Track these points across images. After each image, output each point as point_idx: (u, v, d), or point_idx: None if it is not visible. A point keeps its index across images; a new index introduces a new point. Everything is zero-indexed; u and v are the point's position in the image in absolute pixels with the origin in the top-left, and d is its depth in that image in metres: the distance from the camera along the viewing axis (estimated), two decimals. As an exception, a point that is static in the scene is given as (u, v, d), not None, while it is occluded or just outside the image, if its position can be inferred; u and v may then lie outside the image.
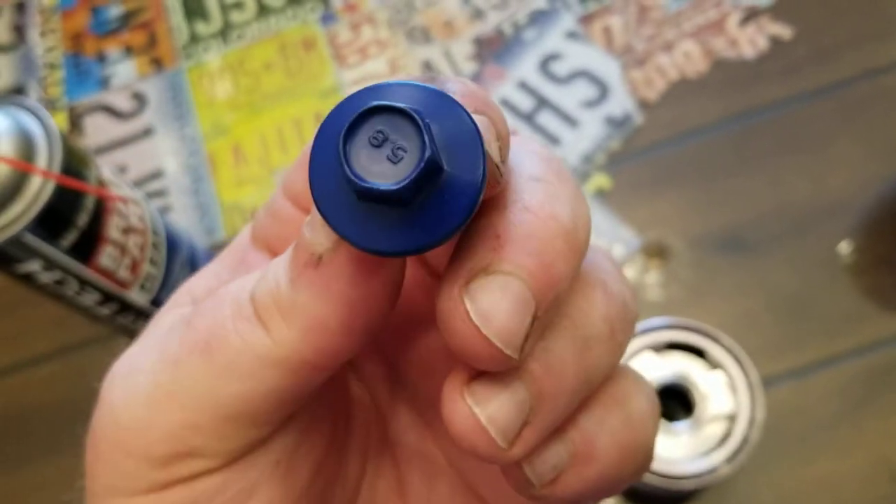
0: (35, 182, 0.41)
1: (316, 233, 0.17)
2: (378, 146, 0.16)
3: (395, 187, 0.15)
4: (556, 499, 0.19)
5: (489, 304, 0.16)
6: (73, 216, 0.43)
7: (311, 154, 0.16)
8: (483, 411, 0.17)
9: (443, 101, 0.16)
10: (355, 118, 0.16)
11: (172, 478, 0.20)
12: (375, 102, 0.16)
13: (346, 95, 0.17)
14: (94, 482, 0.20)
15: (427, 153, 0.15)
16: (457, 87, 0.17)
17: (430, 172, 0.15)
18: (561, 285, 0.17)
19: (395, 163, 0.16)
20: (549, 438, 0.19)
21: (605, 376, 0.19)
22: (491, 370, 0.17)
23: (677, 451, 0.46)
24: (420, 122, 0.16)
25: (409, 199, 0.15)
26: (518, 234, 0.17)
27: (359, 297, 0.18)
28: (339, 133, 0.16)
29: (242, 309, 0.19)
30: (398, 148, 0.16)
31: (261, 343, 0.18)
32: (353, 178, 0.15)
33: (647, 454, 0.21)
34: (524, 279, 0.16)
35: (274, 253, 0.23)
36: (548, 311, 0.17)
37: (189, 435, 0.19)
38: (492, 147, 0.16)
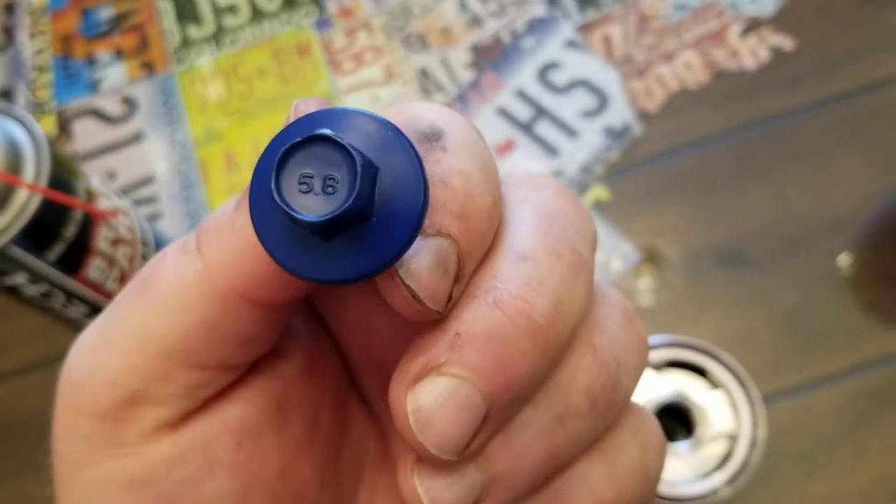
0: (21, 194, 0.40)
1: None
2: (310, 177, 0.16)
3: (314, 219, 0.15)
4: None
5: (431, 410, 0.16)
6: (60, 228, 0.42)
7: (255, 170, 0.16)
8: (427, 493, 0.17)
9: (392, 137, 0.16)
10: (295, 144, 0.15)
11: (126, 436, 0.19)
12: (320, 131, 0.16)
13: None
14: (58, 460, 0.20)
15: (351, 198, 0.15)
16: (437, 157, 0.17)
17: (351, 217, 0.15)
18: (521, 385, 0.16)
19: (328, 194, 0.15)
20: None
21: (586, 445, 0.19)
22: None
23: (677, 472, 0.45)
24: (357, 163, 0.15)
25: (331, 234, 0.15)
26: (479, 333, 0.16)
27: None
28: (275, 155, 0.16)
29: (185, 243, 0.18)
30: (331, 178, 0.15)
31: (192, 270, 0.18)
32: (280, 202, 0.15)
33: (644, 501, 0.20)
34: (475, 384, 0.16)
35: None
36: (505, 408, 0.17)
37: (128, 379, 0.18)
38: (433, 271, 0.16)
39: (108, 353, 0.19)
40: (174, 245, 0.19)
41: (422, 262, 0.16)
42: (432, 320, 0.17)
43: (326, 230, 0.15)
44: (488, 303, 0.16)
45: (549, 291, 0.17)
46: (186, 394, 0.19)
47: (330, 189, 0.15)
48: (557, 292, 0.17)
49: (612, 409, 0.19)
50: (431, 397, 0.16)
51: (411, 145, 0.16)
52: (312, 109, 0.17)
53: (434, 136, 0.17)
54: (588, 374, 0.18)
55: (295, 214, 0.15)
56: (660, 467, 0.20)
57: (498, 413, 0.16)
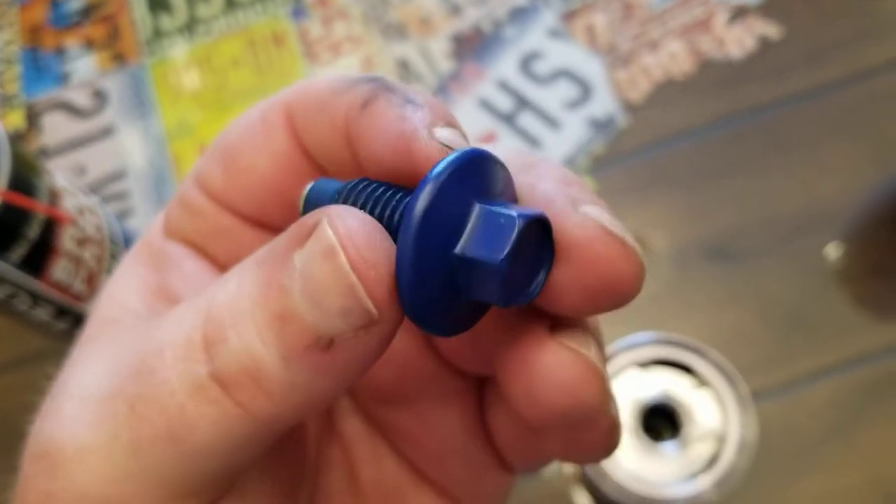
0: (-21, 192, 0.38)
1: (326, 314, 0.15)
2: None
3: (530, 296, 0.16)
4: (613, 445, 0.20)
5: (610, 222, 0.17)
6: (22, 229, 0.40)
7: (410, 255, 0.16)
8: (589, 353, 0.17)
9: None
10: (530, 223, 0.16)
11: None
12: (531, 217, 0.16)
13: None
14: None
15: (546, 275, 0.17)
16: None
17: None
18: None
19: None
20: None
21: None
22: (626, 299, 0.17)
23: (663, 472, 0.44)
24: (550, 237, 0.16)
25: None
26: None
27: (366, 370, 0.17)
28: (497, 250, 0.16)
29: (204, 392, 0.16)
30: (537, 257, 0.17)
31: (238, 423, 0.16)
32: (507, 299, 0.16)
33: None
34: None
35: (193, 246, 0.22)
36: None
37: (176, 502, 0.18)
38: None
39: (142, 486, 0.17)
40: (173, 381, 0.17)
41: None
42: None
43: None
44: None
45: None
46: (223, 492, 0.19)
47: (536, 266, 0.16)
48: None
49: None
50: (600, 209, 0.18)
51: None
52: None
53: None
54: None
55: (512, 299, 0.16)
56: None
57: None
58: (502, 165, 0.17)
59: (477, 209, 0.16)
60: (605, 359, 0.18)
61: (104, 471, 0.17)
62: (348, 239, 0.15)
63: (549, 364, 0.17)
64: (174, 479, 0.17)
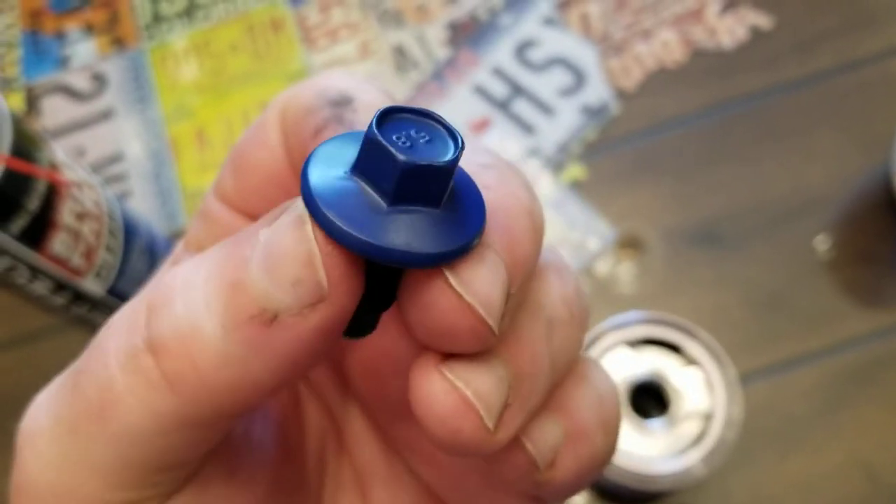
0: (-19, 164, 0.38)
1: (277, 283, 0.15)
2: (403, 140, 0.15)
3: (447, 161, 0.15)
4: (556, 485, 0.18)
5: (470, 273, 0.15)
6: (22, 200, 0.41)
7: (305, 171, 0.15)
8: (467, 386, 0.16)
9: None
10: (381, 113, 0.15)
11: None
12: (382, 109, 0.16)
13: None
14: None
15: (459, 138, 0.16)
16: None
17: (448, 175, 0.15)
18: (529, 264, 0.17)
19: (426, 148, 0.16)
20: (536, 419, 0.18)
21: (571, 360, 0.19)
22: (467, 349, 0.16)
23: (651, 449, 0.44)
24: (442, 120, 0.16)
25: (448, 185, 0.16)
26: (493, 210, 0.16)
27: (309, 359, 0.16)
28: (370, 130, 0.15)
29: (135, 360, 0.16)
30: (421, 139, 0.16)
31: (162, 400, 0.16)
32: (402, 156, 0.15)
33: (619, 431, 0.20)
34: (498, 252, 0.16)
35: None
36: (519, 289, 0.17)
37: (118, 494, 0.17)
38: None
39: (82, 474, 0.17)
40: (110, 353, 0.16)
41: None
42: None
43: (433, 187, 0.15)
44: (479, 187, 0.17)
45: (522, 186, 0.18)
46: (180, 482, 0.18)
47: (428, 143, 0.16)
48: (528, 188, 0.18)
49: (583, 329, 0.19)
50: (468, 262, 0.15)
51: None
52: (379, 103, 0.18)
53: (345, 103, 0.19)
54: (560, 287, 0.19)
55: (434, 163, 0.15)
56: (616, 416, 0.20)
57: (515, 292, 0.16)
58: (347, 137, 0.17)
59: (350, 179, 0.16)
60: (504, 392, 0.16)
61: (49, 456, 0.17)
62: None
63: (428, 397, 0.16)
64: (107, 465, 0.17)
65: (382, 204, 0.15)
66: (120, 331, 0.16)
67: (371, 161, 0.15)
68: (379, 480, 0.23)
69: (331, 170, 0.16)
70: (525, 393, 0.17)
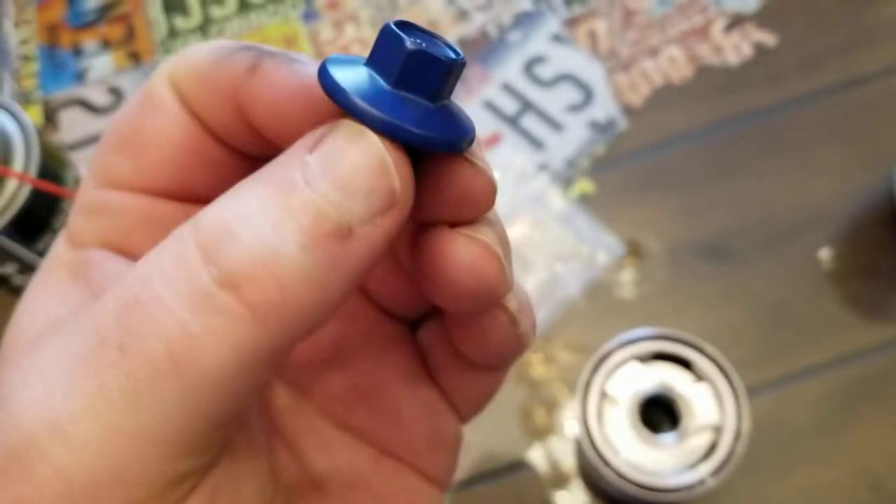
0: (11, 184, 0.40)
1: (353, 199, 0.16)
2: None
3: (457, 57, 0.17)
4: (524, 342, 0.22)
5: (479, 152, 0.19)
6: (50, 219, 0.42)
7: (338, 87, 0.16)
8: (486, 237, 0.19)
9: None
10: (399, 22, 0.17)
11: None
12: (399, 20, 0.17)
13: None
14: None
15: (458, 49, 0.18)
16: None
17: (459, 72, 0.18)
18: None
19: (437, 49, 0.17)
20: None
21: None
22: (483, 210, 0.19)
23: (662, 463, 0.46)
24: (437, 35, 0.18)
25: (440, 92, 0.17)
26: None
27: (373, 267, 0.17)
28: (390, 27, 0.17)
29: (210, 300, 0.15)
30: (433, 42, 0.18)
31: (247, 333, 0.15)
32: (416, 47, 0.16)
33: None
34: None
35: (110, 247, 0.20)
36: None
37: (171, 466, 0.16)
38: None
39: (138, 447, 0.16)
40: (166, 298, 0.15)
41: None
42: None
43: (446, 80, 0.17)
44: None
45: None
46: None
47: (437, 48, 0.17)
48: None
49: None
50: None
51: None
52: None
53: None
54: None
55: (444, 56, 0.17)
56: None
57: None
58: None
59: (364, 66, 0.18)
60: (505, 245, 0.19)
61: (90, 437, 0.15)
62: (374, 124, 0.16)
63: (452, 249, 0.18)
64: (172, 428, 0.16)
65: (387, 86, 0.17)
66: (169, 280, 0.15)
67: (387, 53, 0.17)
68: (314, 448, 0.23)
69: (352, 79, 0.17)
70: (507, 251, 0.20)
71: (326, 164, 0.16)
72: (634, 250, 0.57)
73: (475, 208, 0.19)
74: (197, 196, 0.21)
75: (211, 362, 0.15)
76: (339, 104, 0.16)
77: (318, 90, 0.17)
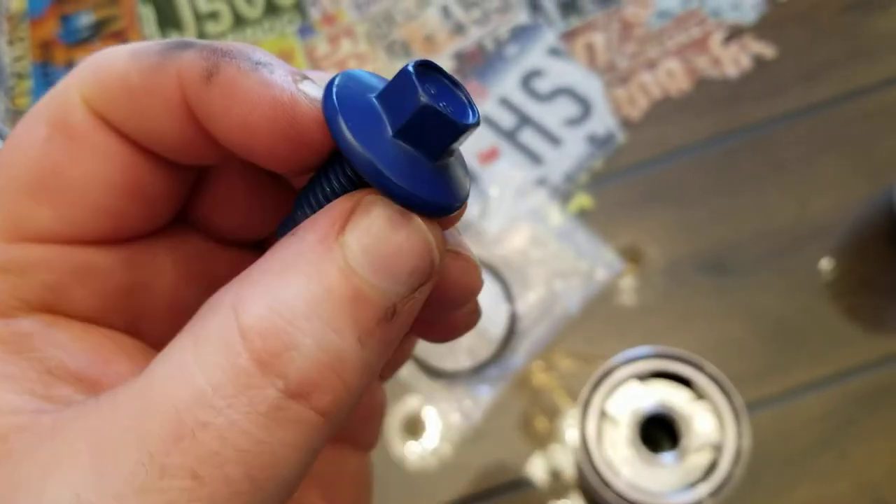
0: None
1: (399, 283, 0.16)
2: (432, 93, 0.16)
3: (472, 120, 0.16)
4: (477, 286, 0.20)
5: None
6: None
7: (337, 125, 0.16)
8: (466, 250, 0.19)
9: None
10: (416, 66, 0.16)
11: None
12: (422, 59, 0.17)
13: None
14: None
15: (477, 113, 0.17)
16: None
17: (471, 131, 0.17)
18: None
19: (451, 108, 0.17)
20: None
21: None
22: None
23: (662, 482, 0.45)
24: (460, 84, 0.17)
25: (446, 151, 0.17)
26: None
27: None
28: (407, 76, 0.16)
29: (282, 413, 0.15)
30: (449, 96, 0.17)
31: (319, 435, 0.15)
32: (428, 102, 0.16)
33: None
34: None
35: (44, 309, 0.18)
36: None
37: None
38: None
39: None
40: (237, 423, 0.15)
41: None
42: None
43: (452, 142, 0.17)
44: None
45: None
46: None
47: (449, 107, 0.16)
48: None
49: None
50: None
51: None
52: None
53: None
54: None
55: (456, 119, 0.16)
56: None
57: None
58: (355, 73, 0.18)
59: (373, 100, 0.17)
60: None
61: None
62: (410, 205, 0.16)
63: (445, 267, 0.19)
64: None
65: (426, 160, 0.17)
66: (231, 397, 0.15)
67: (399, 97, 0.16)
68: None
69: (357, 118, 0.16)
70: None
71: (369, 249, 0.16)
72: (633, 266, 0.57)
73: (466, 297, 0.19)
74: (135, 234, 0.19)
75: (289, 471, 0.15)
76: (355, 163, 0.16)
77: (295, 105, 0.16)
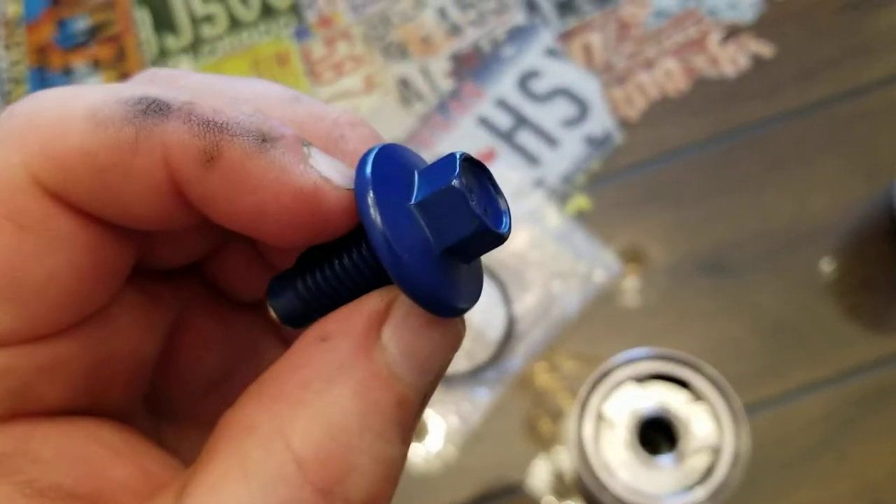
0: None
1: (431, 374, 0.16)
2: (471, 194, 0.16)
3: (505, 230, 0.16)
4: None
5: None
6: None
7: (375, 228, 0.15)
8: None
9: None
10: (465, 159, 0.16)
11: None
12: (463, 153, 0.16)
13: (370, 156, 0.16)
14: None
15: (510, 220, 0.17)
16: None
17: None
18: None
19: (487, 212, 0.16)
20: None
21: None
22: None
23: (660, 485, 0.45)
24: (499, 188, 0.17)
25: (475, 256, 0.17)
26: None
27: None
28: (445, 183, 0.15)
29: None
30: (487, 198, 0.17)
31: None
32: (486, 223, 0.16)
33: None
34: None
35: (17, 416, 0.17)
36: None
37: None
38: None
39: None
40: None
41: None
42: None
43: (489, 251, 0.16)
44: None
45: None
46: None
47: (489, 210, 0.16)
48: None
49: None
50: None
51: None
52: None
53: None
54: None
55: (493, 228, 0.16)
56: None
57: None
58: (397, 147, 0.17)
59: (416, 175, 0.16)
60: None
61: None
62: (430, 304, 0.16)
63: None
64: None
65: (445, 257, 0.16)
66: None
67: (446, 211, 0.16)
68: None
69: (399, 233, 0.16)
70: None
71: (409, 351, 0.16)
72: (632, 267, 0.57)
73: None
74: (99, 308, 0.18)
75: None
76: (402, 285, 0.15)
77: (319, 195, 0.16)
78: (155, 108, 0.15)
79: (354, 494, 0.15)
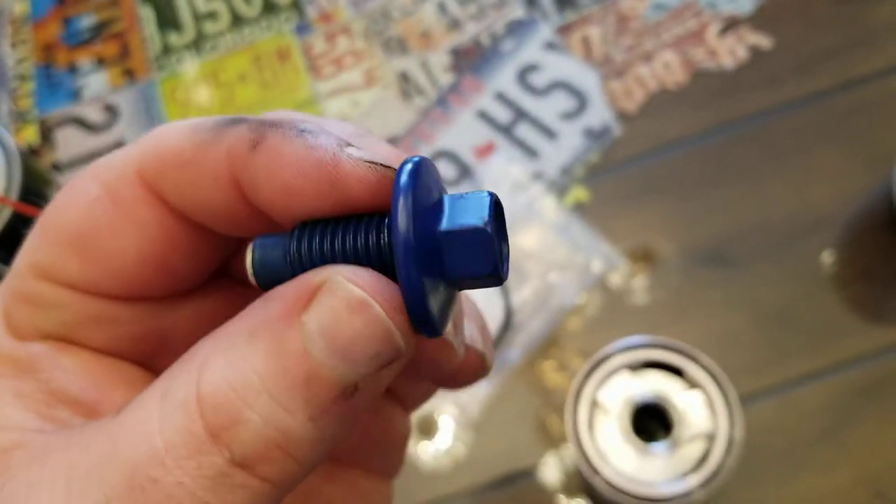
0: (-7, 205, 0.40)
1: (358, 364, 0.16)
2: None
3: (505, 276, 0.17)
4: (488, 370, 0.22)
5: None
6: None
7: (404, 252, 0.16)
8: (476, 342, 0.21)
9: None
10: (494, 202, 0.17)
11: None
12: (495, 195, 0.17)
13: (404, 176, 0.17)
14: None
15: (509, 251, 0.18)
16: None
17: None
18: None
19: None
20: None
21: None
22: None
23: (655, 472, 0.45)
24: (506, 233, 0.18)
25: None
26: None
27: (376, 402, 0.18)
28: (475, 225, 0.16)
29: (228, 479, 0.16)
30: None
31: (266, 498, 0.16)
32: (500, 270, 0.17)
33: None
34: None
35: (59, 339, 0.20)
36: None
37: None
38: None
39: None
40: (186, 487, 0.16)
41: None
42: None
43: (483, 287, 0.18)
44: None
45: None
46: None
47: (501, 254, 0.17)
48: None
49: None
50: None
51: None
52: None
53: None
54: None
55: (503, 274, 0.17)
56: None
57: None
58: (430, 162, 0.18)
59: (445, 199, 0.17)
60: (484, 329, 0.22)
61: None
62: (376, 291, 0.16)
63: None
64: None
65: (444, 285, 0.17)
66: (181, 459, 0.16)
67: (472, 250, 0.17)
68: None
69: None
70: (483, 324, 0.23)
71: (326, 331, 0.16)
72: (632, 258, 0.57)
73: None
74: (154, 297, 0.20)
75: None
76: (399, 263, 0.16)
77: (338, 164, 0.17)
78: (235, 121, 0.18)
79: (237, 447, 0.16)
